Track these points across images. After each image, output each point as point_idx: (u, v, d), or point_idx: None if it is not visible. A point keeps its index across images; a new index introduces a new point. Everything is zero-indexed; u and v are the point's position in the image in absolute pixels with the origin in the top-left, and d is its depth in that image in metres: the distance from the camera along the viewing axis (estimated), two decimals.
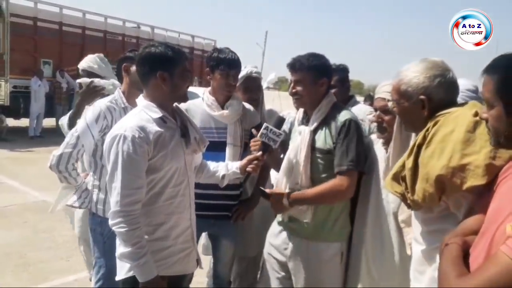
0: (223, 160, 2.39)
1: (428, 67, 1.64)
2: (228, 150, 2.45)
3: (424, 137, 1.56)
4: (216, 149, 2.11)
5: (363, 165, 2.15)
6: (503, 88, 1.16)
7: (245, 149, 2.52)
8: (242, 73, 2.75)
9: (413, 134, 1.96)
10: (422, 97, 1.62)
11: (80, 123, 2.34)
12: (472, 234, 1.30)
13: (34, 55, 11.98)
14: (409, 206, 1.66)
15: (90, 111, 2.34)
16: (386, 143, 2.11)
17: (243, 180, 2.47)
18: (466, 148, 1.40)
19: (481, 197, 1.37)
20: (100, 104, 2.34)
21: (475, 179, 1.36)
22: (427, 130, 1.56)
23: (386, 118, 2.06)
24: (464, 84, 2.17)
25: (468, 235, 1.31)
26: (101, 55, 3.38)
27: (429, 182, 1.48)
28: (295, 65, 2.23)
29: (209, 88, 2.56)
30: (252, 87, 2.79)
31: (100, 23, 13.86)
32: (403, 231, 2.00)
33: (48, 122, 12.40)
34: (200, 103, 2.50)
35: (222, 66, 2.43)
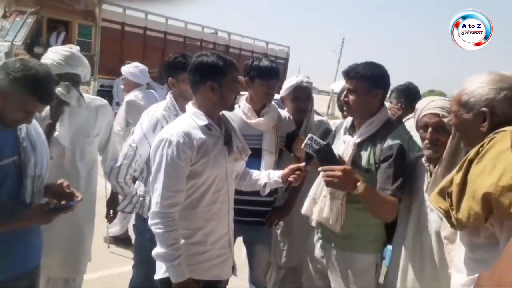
0: (258, 166, 2.41)
1: (495, 79, 1.51)
2: (263, 157, 2.46)
3: (477, 153, 1.42)
4: (251, 156, 2.13)
5: (403, 191, 2.06)
6: None
7: (280, 156, 2.52)
8: (292, 82, 2.74)
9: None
10: (484, 109, 1.48)
11: (137, 133, 2.41)
12: None
13: (120, 57, 12.95)
14: (452, 225, 1.53)
15: (146, 121, 2.41)
16: (428, 160, 2.04)
17: (284, 189, 2.45)
18: None
19: None
20: (156, 114, 2.41)
21: None
22: (482, 145, 1.43)
23: (443, 138, 1.93)
24: None
25: None
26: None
27: (475, 200, 1.36)
28: (350, 73, 2.14)
29: (246, 96, 2.58)
30: (302, 97, 2.75)
31: (180, 29, 14.68)
32: (446, 248, 1.87)
33: None
34: (237, 110, 2.48)
35: (262, 75, 2.44)
